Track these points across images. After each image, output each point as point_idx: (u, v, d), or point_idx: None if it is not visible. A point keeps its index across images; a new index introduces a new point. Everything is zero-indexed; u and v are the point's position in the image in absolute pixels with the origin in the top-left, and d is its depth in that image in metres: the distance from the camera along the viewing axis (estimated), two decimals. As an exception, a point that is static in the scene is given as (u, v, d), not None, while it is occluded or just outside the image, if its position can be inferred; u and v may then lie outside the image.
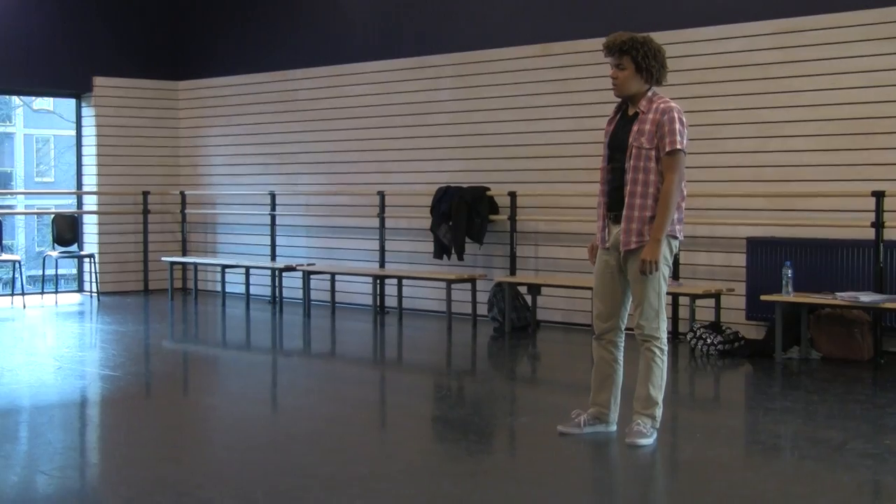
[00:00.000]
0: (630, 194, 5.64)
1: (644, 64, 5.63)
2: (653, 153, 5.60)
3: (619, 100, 5.86)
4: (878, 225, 8.48)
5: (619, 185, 5.71)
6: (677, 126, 5.59)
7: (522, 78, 10.79)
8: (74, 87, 13.83)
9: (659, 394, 5.76)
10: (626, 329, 5.94)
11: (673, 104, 5.67)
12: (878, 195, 8.49)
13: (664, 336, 5.76)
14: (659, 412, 5.77)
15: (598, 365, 5.92)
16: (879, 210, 8.48)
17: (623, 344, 5.92)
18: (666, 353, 5.79)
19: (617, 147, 5.74)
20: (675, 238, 5.72)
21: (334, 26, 12.66)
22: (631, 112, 5.75)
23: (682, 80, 9.75)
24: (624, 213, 5.66)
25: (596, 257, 5.93)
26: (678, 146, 5.58)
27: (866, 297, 8.18)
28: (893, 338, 8.45)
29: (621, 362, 5.91)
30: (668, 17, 9.89)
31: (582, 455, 5.65)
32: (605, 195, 5.83)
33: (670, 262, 5.80)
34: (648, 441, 5.68)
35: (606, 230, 5.82)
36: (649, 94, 5.70)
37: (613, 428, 5.90)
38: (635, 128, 5.65)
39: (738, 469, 5.57)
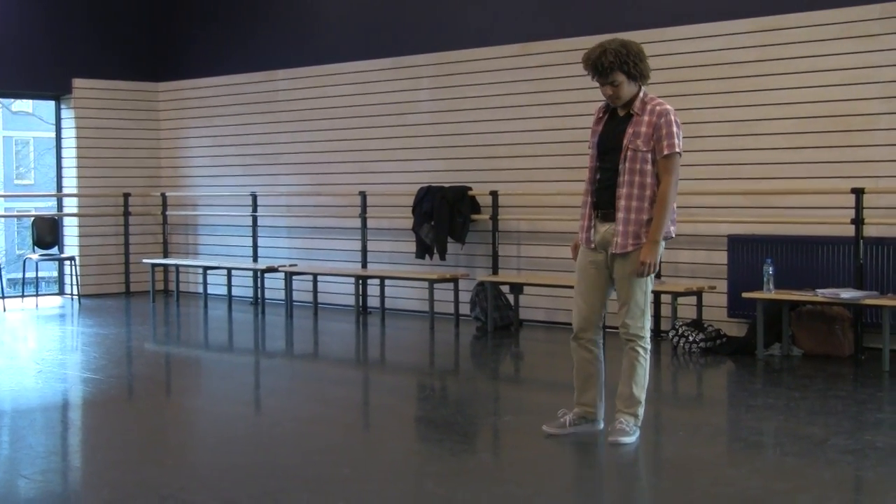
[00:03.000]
0: (626, 196, 5.61)
1: (636, 71, 5.60)
2: (649, 156, 5.58)
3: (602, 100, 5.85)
4: (858, 222, 8.52)
5: (609, 185, 5.68)
6: (674, 129, 5.59)
7: (503, 77, 10.80)
8: (54, 88, 13.77)
9: (642, 393, 5.76)
10: (607, 326, 5.95)
11: (668, 106, 5.64)
12: (858, 192, 8.53)
13: (648, 335, 5.77)
14: (641, 411, 5.78)
15: (580, 365, 5.88)
16: (859, 207, 8.52)
17: (602, 342, 5.91)
18: (649, 352, 5.79)
19: (610, 148, 5.69)
20: (669, 237, 5.74)
21: (314, 27, 12.65)
22: (622, 113, 5.71)
23: (661, 79, 9.75)
24: (620, 215, 5.63)
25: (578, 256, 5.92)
26: (676, 149, 5.59)
27: (847, 294, 8.22)
28: (874, 334, 8.49)
29: (602, 360, 5.89)
30: (646, 16, 9.92)
31: (565, 454, 5.66)
32: (592, 194, 5.80)
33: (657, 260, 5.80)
34: (631, 439, 5.68)
35: (593, 229, 5.78)
36: (641, 94, 5.67)
37: (601, 426, 5.88)
38: (630, 130, 5.61)
39: (720, 466, 5.58)
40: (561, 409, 5.97)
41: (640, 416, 5.77)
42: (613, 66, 5.57)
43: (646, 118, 5.60)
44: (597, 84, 5.71)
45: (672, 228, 5.72)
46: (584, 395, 5.88)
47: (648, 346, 5.78)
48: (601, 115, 5.83)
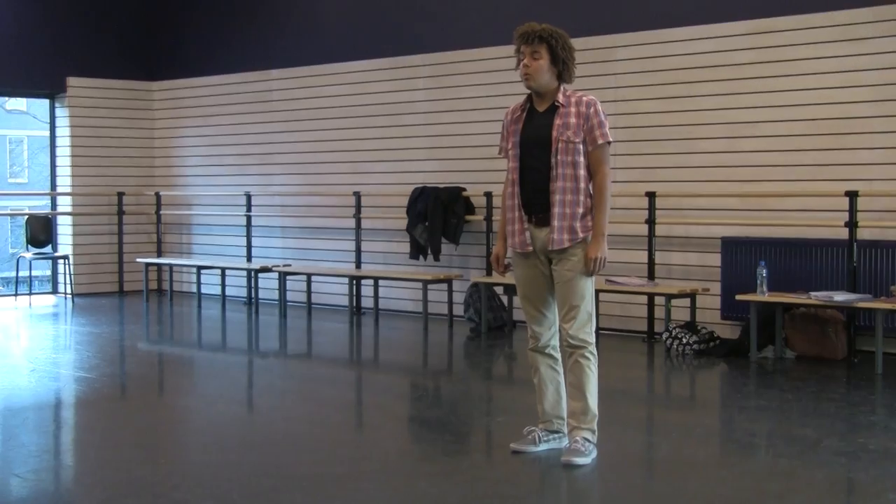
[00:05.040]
0: (561, 190, 5.32)
1: (561, 55, 5.40)
2: (581, 147, 5.34)
3: (519, 100, 5.65)
4: (852, 224, 8.53)
5: (541, 186, 5.37)
6: (603, 118, 5.38)
7: (498, 78, 10.78)
8: (48, 87, 13.76)
9: (596, 404, 5.45)
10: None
11: (593, 97, 5.44)
12: (852, 195, 8.54)
13: (594, 340, 5.47)
14: (596, 424, 5.47)
15: (546, 376, 5.56)
16: (853, 210, 8.53)
17: (559, 346, 5.63)
18: (597, 357, 5.49)
19: (536, 145, 5.39)
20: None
21: (310, 26, 12.65)
22: (542, 108, 5.46)
23: (657, 81, 9.80)
24: (555, 210, 5.34)
25: (502, 265, 5.64)
26: (610, 139, 5.39)
27: (840, 297, 8.23)
28: (867, 337, 8.50)
29: (562, 367, 5.61)
30: (642, 17, 9.93)
31: (557, 454, 5.64)
32: (519, 197, 5.45)
33: None
34: (587, 460, 5.35)
35: (527, 233, 5.45)
36: (562, 89, 5.46)
37: (566, 442, 5.57)
38: (558, 121, 5.35)
39: (713, 467, 5.59)
40: (527, 426, 5.68)
41: (596, 431, 5.47)
42: (544, 34, 5.42)
43: (573, 109, 5.37)
44: (520, 61, 5.49)
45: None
46: (558, 408, 5.57)
47: (596, 353, 5.47)
48: (519, 113, 5.54)
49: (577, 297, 5.39)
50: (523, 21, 5.56)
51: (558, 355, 5.60)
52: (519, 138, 5.49)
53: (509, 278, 10.34)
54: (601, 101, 5.47)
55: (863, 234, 8.61)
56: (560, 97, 5.42)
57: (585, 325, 5.42)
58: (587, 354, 5.42)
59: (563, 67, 5.43)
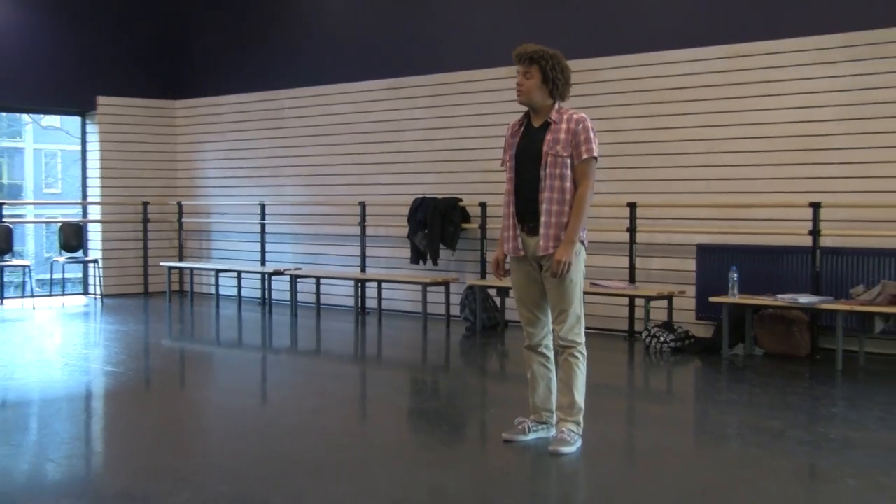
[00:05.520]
0: (548, 201, 5.31)
1: (551, 75, 5.34)
2: (568, 161, 5.32)
3: (516, 116, 5.60)
4: (815, 233, 8.56)
5: (532, 196, 5.37)
6: (591, 135, 5.34)
7: (491, 98, 10.82)
8: (80, 105, 13.78)
9: (583, 399, 5.44)
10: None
11: (584, 114, 5.41)
12: (815, 206, 8.57)
13: (584, 340, 5.45)
14: (582, 417, 5.45)
15: (538, 372, 5.57)
16: (816, 219, 8.57)
17: (552, 345, 5.61)
18: (586, 357, 5.47)
19: (529, 158, 5.38)
20: (583, 244, 5.39)
21: (319, 50, 12.67)
22: (537, 124, 5.42)
23: (640, 100, 9.82)
24: (542, 219, 5.33)
25: (501, 270, 5.60)
26: (595, 154, 5.35)
27: (804, 299, 8.25)
28: (829, 336, 8.52)
29: (554, 366, 5.60)
30: (627, 42, 9.95)
31: (545, 443, 5.66)
32: (514, 206, 5.48)
33: (582, 268, 5.42)
34: (572, 449, 5.34)
35: (519, 239, 5.46)
36: (556, 106, 5.41)
37: (554, 432, 5.56)
38: (549, 136, 5.33)
39: (688, 456, 5.60)
40: (517, 417, 5.68)
41: (581, 424, 5.45)
42: (535, 56, 5.37)
43: (563, 125, 5.35)
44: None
45: (583, 234, 5.39)
46: (546, 401, 5.58)
47: (585, 352, 5.45)
48: (517, 128, 5.51)
49: (567, 301, 5.38)
50: (514, 46, 5.56)
51: (551, 354, 5.59)
52: (515, 151, 5.49)
53: (506, 282, 10.38)
54: (590, 119, 5.45)
55: (825, 241, 8.63)
56: (553, 114, 5.40)
57: (574, 327, 5.41)
58: (576, 354, 5.42)
59: (553, 86, 5.39)
